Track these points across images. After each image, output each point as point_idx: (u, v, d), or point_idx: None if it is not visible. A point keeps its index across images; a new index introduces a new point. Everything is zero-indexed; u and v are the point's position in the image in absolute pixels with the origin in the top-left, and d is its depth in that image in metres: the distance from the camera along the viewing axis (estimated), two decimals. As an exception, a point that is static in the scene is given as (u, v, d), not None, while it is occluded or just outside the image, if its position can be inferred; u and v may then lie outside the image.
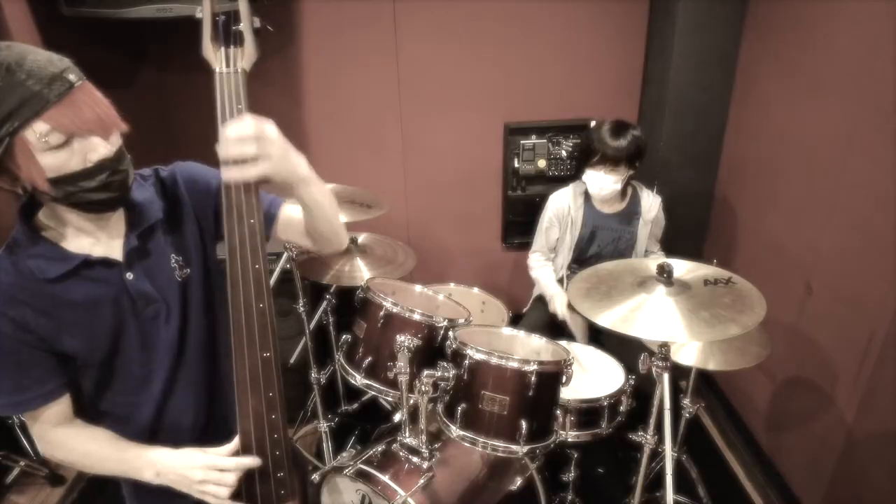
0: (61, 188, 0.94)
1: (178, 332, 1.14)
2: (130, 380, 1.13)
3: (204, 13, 1.00)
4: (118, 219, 1.09)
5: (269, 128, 0.95)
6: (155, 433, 1.17)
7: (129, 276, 1.07)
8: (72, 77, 0.91)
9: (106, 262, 1.06)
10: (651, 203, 2.30)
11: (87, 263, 1.04)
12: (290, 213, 1.22)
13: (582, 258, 2.37)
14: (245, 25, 1.01)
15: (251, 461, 1.09)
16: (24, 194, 0.97)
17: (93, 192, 0.96)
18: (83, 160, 0.94)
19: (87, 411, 1.13)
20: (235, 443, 1.10)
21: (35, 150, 0.89)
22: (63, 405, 1.08)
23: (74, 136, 0.92)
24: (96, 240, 1.06)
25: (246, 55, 1.02)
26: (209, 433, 1.23)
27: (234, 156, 0.93)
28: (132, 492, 1.27)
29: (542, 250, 2.43)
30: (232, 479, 1.07)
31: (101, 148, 0.95)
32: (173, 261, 1.13)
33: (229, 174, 0.96)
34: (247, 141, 0.92)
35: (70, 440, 1.10)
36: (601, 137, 2.12)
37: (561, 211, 2.33)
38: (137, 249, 1.09)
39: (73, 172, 0.93)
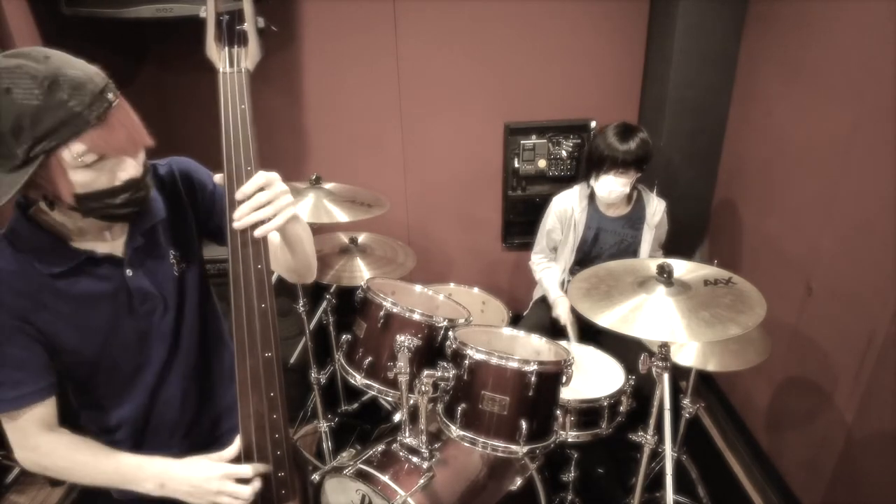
0: (85, 203, 0.94)
1: (172, 325, 1.15)
2: (119, 374, 1.13)
3: (207, 13, 1.00)
4: None
5: (279, 184, 1.02)
6: (141, 429, 1.16)
7: (129, 272, 1.08)
8: (110, 96, 0.91)
9: (109, 260, 1.07)
10: (656, 208, 2.29)
11: (91, 260, 1.04)
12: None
13: (584, 261, 2.36)
14: (249, 25, 1.01)
15: (263, 466, 1.09)
16: (45, 202, 0.96)
17: (116, 208, 0.97)
18: (112, 178, 0.95)
19: (71, 403, 1.13)
20: (237, 444, 1.10)
21: (68, 167, 0.89)
22: (51, 407, 1.07)
23: (107, 156, 0.93)
24: (99, 237, 1.07)
25: (250, 55, 1.02)
26: (196, 431, 1.23)
27: (253, 221, 1.01)
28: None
29: (544, 251, 2.43)
30: (249, 491, 1.06)
31: (131, 168, 0.96)
32: (172, 256, 1.14)
33: (255, 232, 1.02)
34: (262, 204, 1.00)
35: (59, 448, 1.06)
36: (609, 142, 2.10)
37: (564, 213, 2.32)
38: (140, 248, 1.09)
39: (101, 190, 0.94)
